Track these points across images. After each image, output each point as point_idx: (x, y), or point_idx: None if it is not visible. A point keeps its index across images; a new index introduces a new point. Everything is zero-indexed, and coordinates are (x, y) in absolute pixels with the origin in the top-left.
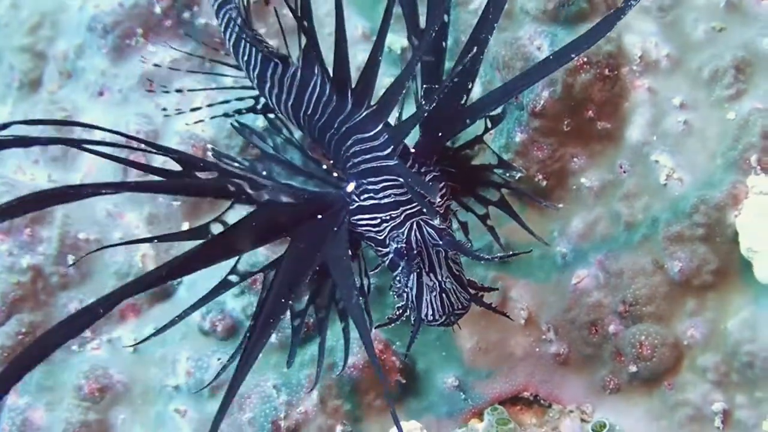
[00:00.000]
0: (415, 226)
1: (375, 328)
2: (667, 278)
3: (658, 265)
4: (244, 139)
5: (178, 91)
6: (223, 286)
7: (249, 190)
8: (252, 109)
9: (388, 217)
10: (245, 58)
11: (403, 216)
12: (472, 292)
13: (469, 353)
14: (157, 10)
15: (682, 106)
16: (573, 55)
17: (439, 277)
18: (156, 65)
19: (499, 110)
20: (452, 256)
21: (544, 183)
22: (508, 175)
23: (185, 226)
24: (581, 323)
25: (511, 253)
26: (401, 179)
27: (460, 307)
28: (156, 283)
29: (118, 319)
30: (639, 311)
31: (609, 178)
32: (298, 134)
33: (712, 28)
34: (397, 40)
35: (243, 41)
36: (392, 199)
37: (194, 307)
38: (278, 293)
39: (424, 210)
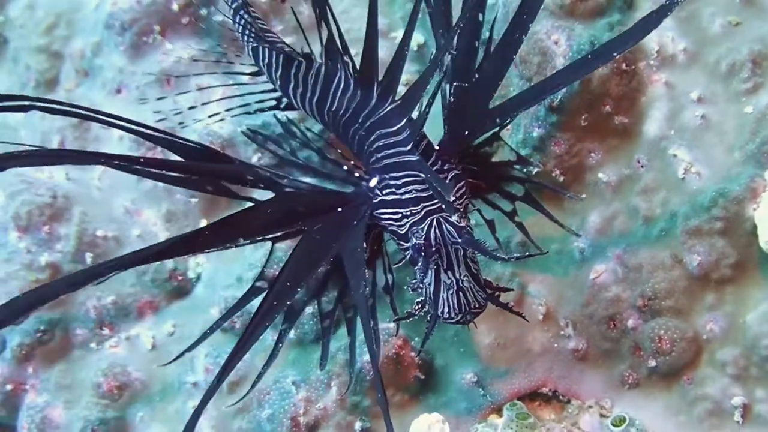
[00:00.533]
0: (434, 222)
1: (394, 321)
2: (686, 272)
3: (677, 260)
4: (258, 145)
5: (200, 88)
6: (253, 293)
7: (268, 177)
8: (275, 107)
9: (408, 213)
10: (266, 61)
11: (423, 212)
12: (489, 291)
13: (487, 349)
14: (174, 7)
15: (700, 100)
16: (615, 54)
17: (457, 275)
18: (179, 58)
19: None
20: (470, 255)
21: (562, 178)
22: (525, 171)
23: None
24: (600, 318)
25: (527, 254)
26: (422, 175)
27: (476, 306)
28: (164, 256)
29: (136, 316)
30: (658, 305)
31: (626, 173)
32: (311, 135)
33: (729, 22)
34: (413, 36)
35: (261, 46)
36: (413, 195)
37: (225, 318)
38: (285, 280)
39: (443, 206)
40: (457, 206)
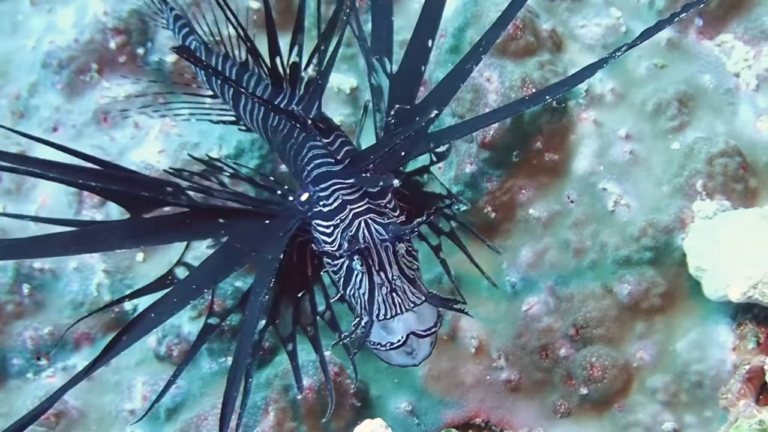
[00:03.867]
0: (362, 224)
1: (332, 346)
2: (616, 301)
3: (608, 289)
4: (185, 181)
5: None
6: (208, 331)
7: (186, 192)
8: (234, 123)
9: (338, 221)
10: (218, 81)
11: (351, 216)
12: (426, 293)
13: (421, 380)
14: (112, 45)
15: (628, 137)
16: (548, 98)
17: (390, 275)
18: (113, 98)
19: (443, 148)
20: (407, 261)
21: (493, 215)
22: (456, 207)
23: (140, 257)
24: (532, 348)
25: (452, 299)
26: (347, 180)
27: (410, 305)
28: (67, 250)
29: (73, 347)
30: (590, 333)
31: (557, 209)
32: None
33: (655, 64)
34: (345, 80)
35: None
36: (340, 201)
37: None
38: (195, 278)
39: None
40: (386, 209)
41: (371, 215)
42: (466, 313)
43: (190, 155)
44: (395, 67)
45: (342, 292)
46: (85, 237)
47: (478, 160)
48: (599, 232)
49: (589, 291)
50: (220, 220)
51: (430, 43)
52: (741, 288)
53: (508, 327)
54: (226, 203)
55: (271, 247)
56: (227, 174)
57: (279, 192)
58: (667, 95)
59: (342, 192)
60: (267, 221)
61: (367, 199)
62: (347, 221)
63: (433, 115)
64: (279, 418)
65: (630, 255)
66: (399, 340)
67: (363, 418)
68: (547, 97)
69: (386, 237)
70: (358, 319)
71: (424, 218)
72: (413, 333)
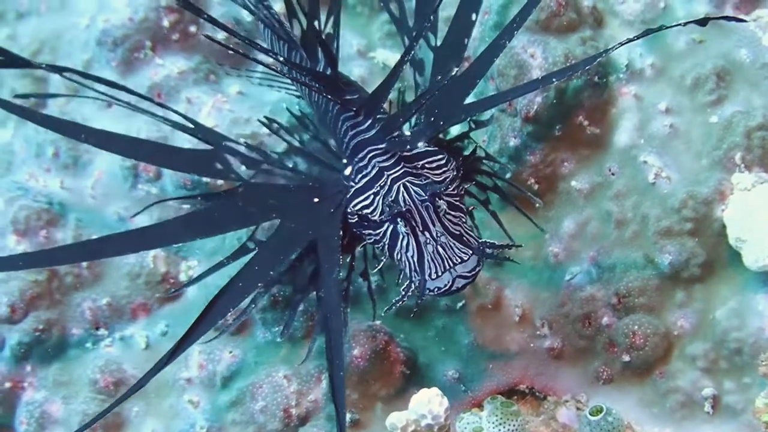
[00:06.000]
0: (402, 188)
1: (384, 312)
2: (657, 271)
3: (649, 260)
4: (272, 132)
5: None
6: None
7: (237, 170)
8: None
9: (378, 189)
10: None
11: (389, 182)
12: (474, 246)
13: (467, 348)
14: (165, 23)
15: (667, 111)
16: (570, 73)
17: (434, 233)
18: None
19: (487, 116)
20: (450, 213)
21: (537, 186)
22: (498, 167)
23: None
24: (575, 317)
25: (502, 244)
26: (380, 145)
27: (458, 260)
28: (134, 248)
29: (130, 317)
30: (632, 303)
31: (598, 181)
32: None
33: (693, 39)
34: (391, 56)
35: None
36: (377, 169)
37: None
38: (256, 264)
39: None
40: (424, 170)
41: (408, 178)
42: (513, 260)
43: (263, 120)
44: (440, 42)
45: (387, 259)
46: (147, 235)
47: (521, 134)
48: (640, 204)
49: (631, 261)
50: (271, 201)
51: (474, 16)
52: None
53: (551, 296)
54: (275, 180)
55: (325, 225)
56: (309, 134)
57: (332, 166)
58: (705, 70)
59: (378, 159)
60: (316, 199)
61: (402, 163)
62: (386, 187)
63: (454, 73)
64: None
65: (671, 226)
66: (446, 285)
67: (411, 386)
68: (554, 79)
69: (425, 197)
70: (408, 281)
71: (456, 173)
72: (458, 276)
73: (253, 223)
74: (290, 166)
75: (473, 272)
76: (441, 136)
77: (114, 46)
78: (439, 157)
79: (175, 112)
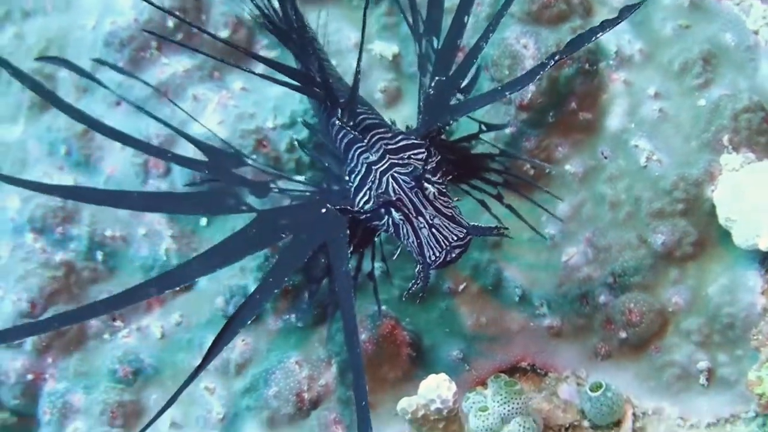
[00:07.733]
0: (390, 179)
1: (404, 299)
2: (651, 251)
3: (643, 240)
4: (312, 133)
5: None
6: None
7: (247, 200)
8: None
9: (369, 184)
10: None
11: (378, 176)
12: (468, 225)
13: (469, 329)
14: (170, 24)
15: (656, 95)
16: (556, 59)
17: (427, 217)
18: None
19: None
20: (440, 198)
21: (532, 171)
22: (504, 164)
23: (203, 222)
24: (573, 296)
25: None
26: (363, 143)
27: (454, 238)
28: (157, 291)
29: (146, 309)
30: (627, 281)
31: (591, 164)
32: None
33: (679, 25)
34: (387, 47)
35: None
36: (365, 165)
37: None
38: (273, 274)
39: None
40: (411, 161)
41: (396, 169)
42: (510, 237)
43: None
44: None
45: (401, 245)
46: (171, 277)
47: (516, 121)
48: (633, 186)
49: (626, 241)
50: (283, 222)
51: (465, 19)
52: None
53: (549, 277)
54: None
55: (334, 228)
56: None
57: (335, 173)
58: (692, 54)
59: (364, 156)
60: (323, 210)
61: (388, 156)
62: (376, 181)
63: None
64: (341, 369)
65: (663, 207)
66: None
67: (418, 367)
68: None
69: (411, 183)
70: (419, 266)
71: (431, 156)
72: (453, 246)
73: (269, 245)
74: (298, 179)
75: (464, 242)
76: (443, 137)
77: (121, 47)
78: (422, 150)
79: (185, 155)
